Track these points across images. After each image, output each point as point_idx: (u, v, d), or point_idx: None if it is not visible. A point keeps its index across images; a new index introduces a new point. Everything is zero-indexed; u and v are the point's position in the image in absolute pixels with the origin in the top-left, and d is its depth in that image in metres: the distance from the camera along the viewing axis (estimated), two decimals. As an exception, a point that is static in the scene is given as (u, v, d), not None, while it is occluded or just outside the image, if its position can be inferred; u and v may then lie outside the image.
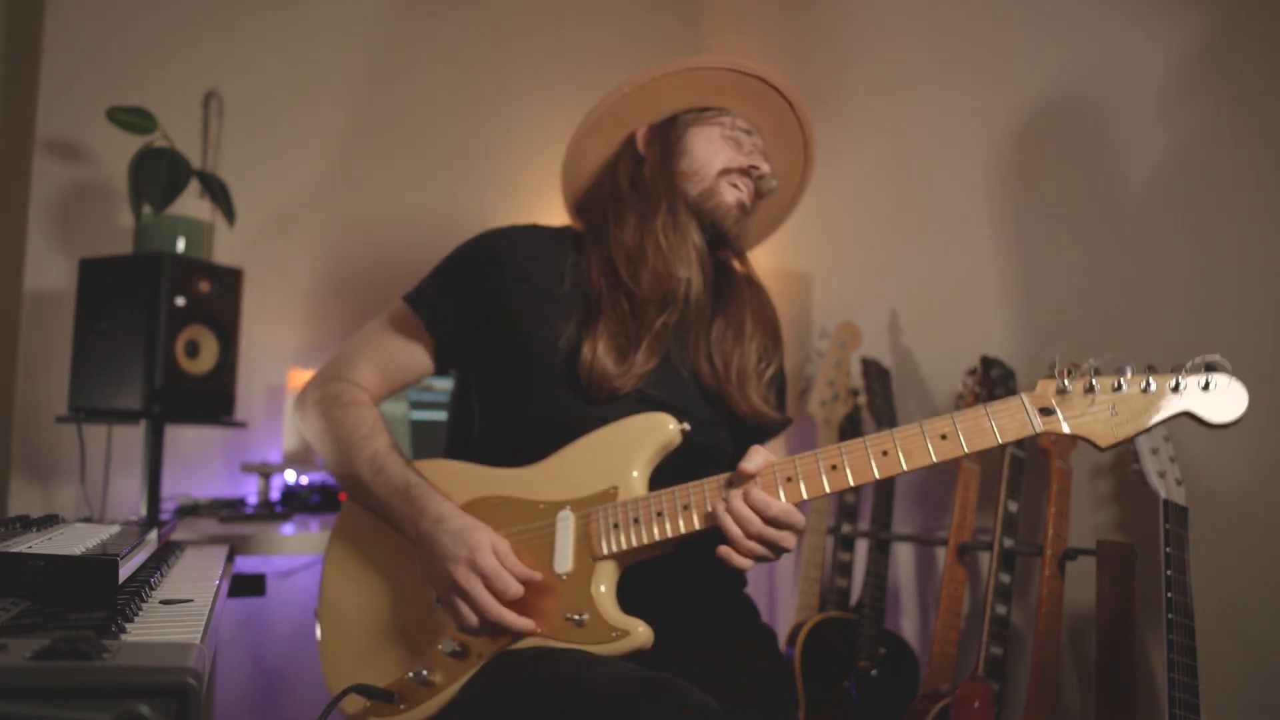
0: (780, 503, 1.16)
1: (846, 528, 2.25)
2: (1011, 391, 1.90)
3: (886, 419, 2.17)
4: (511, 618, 1.19)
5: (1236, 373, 1.07)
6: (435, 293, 1.44)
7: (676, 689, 1.03)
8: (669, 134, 1.49)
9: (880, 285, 2.43)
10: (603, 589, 1.21)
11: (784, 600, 2.65)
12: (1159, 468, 1.58)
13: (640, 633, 1.17)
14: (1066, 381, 1.10)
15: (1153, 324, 1.80)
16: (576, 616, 1.19)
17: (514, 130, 2.79)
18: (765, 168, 1.48)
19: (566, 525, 1.25)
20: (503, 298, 1.41)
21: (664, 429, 1.27)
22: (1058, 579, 1.73)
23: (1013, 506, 1.82)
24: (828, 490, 1.16)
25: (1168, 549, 1.52)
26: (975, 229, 2.18)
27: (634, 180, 1.48)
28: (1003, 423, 1.11)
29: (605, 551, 1.21)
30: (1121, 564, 1.66)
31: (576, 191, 1.58)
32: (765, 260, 2.80)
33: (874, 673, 2.04)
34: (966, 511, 1.95)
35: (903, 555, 2.31)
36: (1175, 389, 1.08)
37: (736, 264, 1.58)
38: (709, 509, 1.19)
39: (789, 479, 1.18)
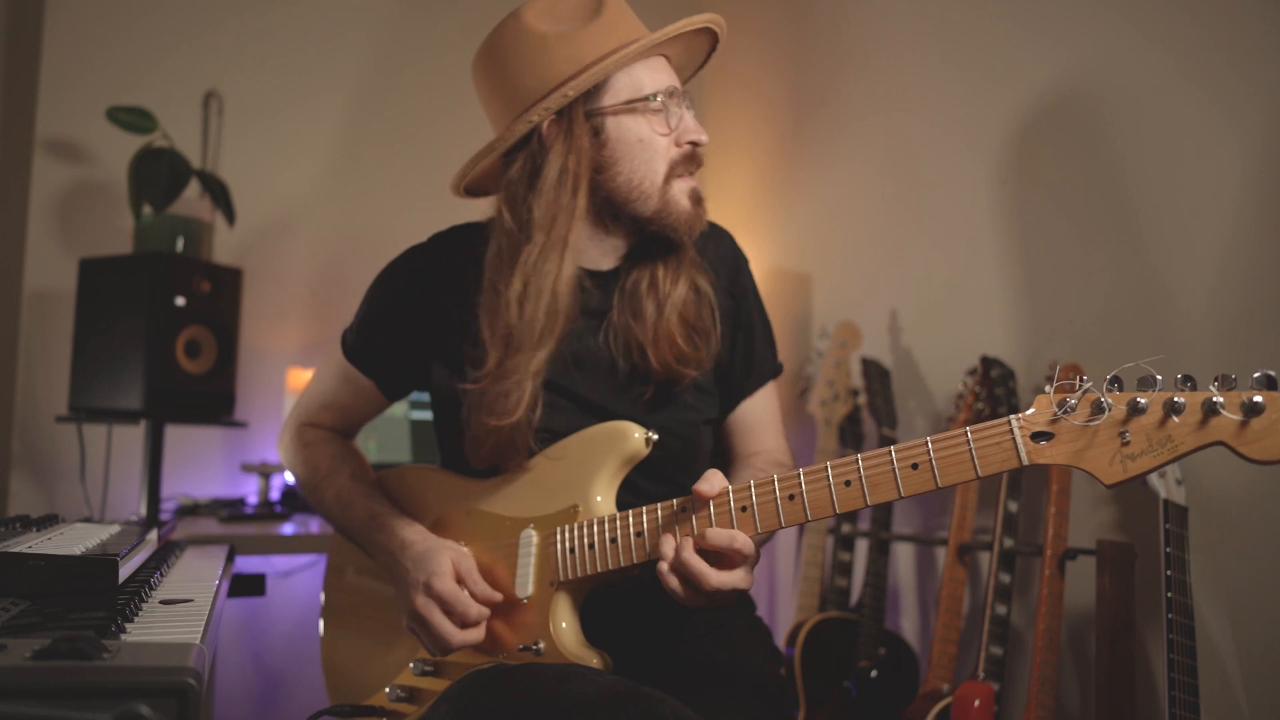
0: (741, 536, 1.05)
1: (846, 528, 2.25)
2: (1011, 393, 1.89)
3: (886, 419, 2.17)
4: (474, 638, 1.17)
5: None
6: (362, 335, 1.39)
7: (654, 701, 1.02)
8: (577, 131, 1.21)
9: (880, 285, 2.43)
10: (564, 624, 1.16)
11: (784, 600, 2.65)
12: (1159, 468, 1.58)
13: (594, 666, 1.14)
14: (1071, 399, 0.91)
15: (1153, 323, 1.80)
16: (534, 646, 1.16)
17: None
18: (704, 136, 1.26)
19: (529, 545, 1.20)
20: (423, 329, 1.33)
21: (628, 440, 1.18)
22: (1058, 579, 1.73)
23: (1013, 506, 1.82)
24: (783, 525, 1.05)
25: (1168, 549, 1.52)
26: (975, 229, 2.18)
27: (521, 206, 1.23)
28: (984, 451, 0.94)
29: (562, 578, 1.16)
30: (1121, 564, 1.66)
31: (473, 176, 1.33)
32: (765, 260, 2.81)
33: (874, 673, 2.04)
34: (966, 511, 1.95)
35: (903, 555, 2.31)
36: (1210, 413, 0.85)
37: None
38: (661, 539, 1.09)
39: (744, 509, 1.07)
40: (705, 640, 1.30)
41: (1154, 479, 1.57)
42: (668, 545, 1.07)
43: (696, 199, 1.27)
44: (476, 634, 1.17)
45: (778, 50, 2.80)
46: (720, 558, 1.06)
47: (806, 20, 2.73)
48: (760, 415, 1.41)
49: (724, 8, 3.06)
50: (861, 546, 2.25)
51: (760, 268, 2.77)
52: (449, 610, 1.16)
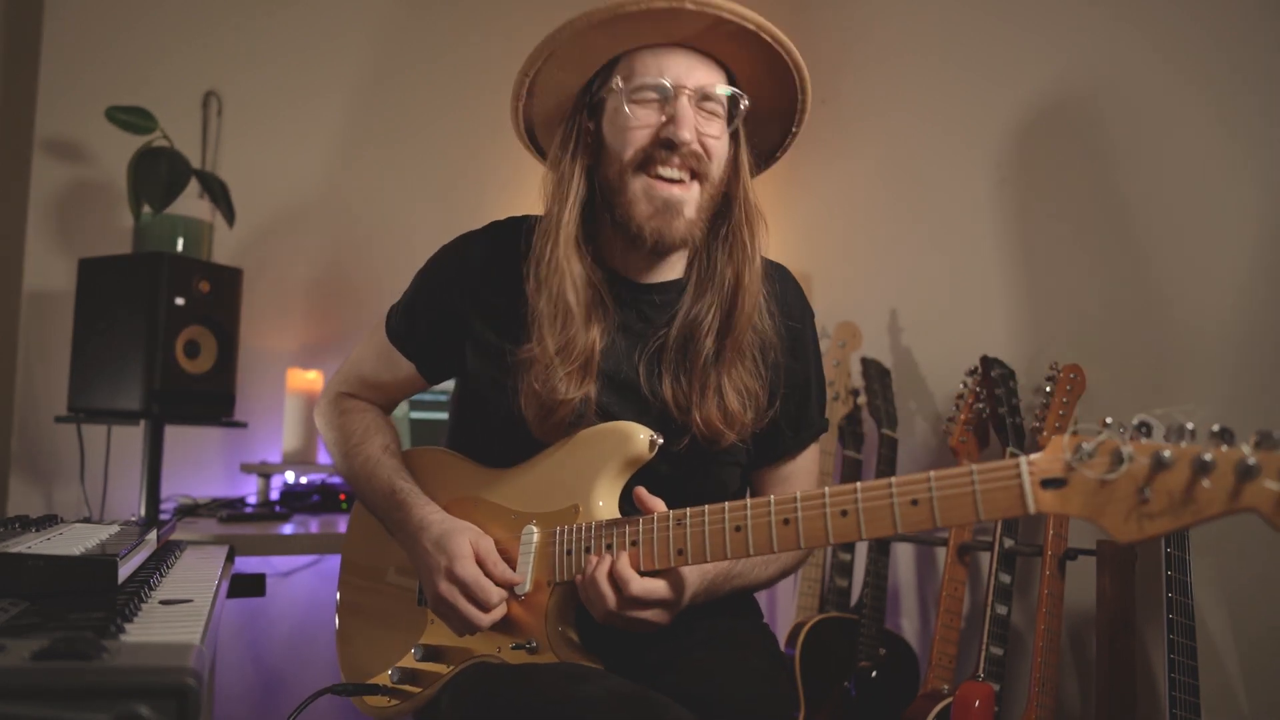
0: (640, 581, 1.07)
1: (846, 528, 2.25)
2: (1012, 393, 1.89)
3: (886, 419, 2.16)
4: (497, 617, 1.17)
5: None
6: (407, 316, 1.39)
7: (657, 706, 1.02)
8: (584, 112, 1.29)
9: (880, 285, 2.43)
10: (559, 625, 1.17)
11: (784, 600, 2.65)
12: (1159, 468, 1.58)
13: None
14: (1088, 444, 0.82)
15: (1153, 323, 1.80)
16: (528, 644, 1.17)
17: (511, 127, 2.79)
18: (686, 135, 1.17)
19: (530, 542, 1.20)
20: (465, 316, 1.33)
21: (632, 441, 1.16)
22: (1058, 579, 1.73)
23: (1013, 506, 1.82)
24: (776, 550, 1.02)
25: (1168, 549, 1.52)
26: (976, 229, 2.17)
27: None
28: (990, 493, 0.88)
29: (559, 578, 1.16)
30: (1121, 564, 1.66)
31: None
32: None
33: (874, 673, 2.04)
34: (966, 511, 1.94)
35: (903, 555, 2.31)
36: (1245, 478, 0.74)
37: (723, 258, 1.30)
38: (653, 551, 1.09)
39: (738, 529, 1.04)
40: (707, 648, 1.28)
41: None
42: (589, 563, 1.11)
43: (661, 206, 1.18)
44: (499, 613, 1.18)
45: (777, 50, 2.80)
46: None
47: (806, 20, 2.73)
48: (799, 470, 1.38)
49: (724, 8, 3.07)
50: (861, 547, 2.25)
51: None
52: (470, 595, 1.16)
